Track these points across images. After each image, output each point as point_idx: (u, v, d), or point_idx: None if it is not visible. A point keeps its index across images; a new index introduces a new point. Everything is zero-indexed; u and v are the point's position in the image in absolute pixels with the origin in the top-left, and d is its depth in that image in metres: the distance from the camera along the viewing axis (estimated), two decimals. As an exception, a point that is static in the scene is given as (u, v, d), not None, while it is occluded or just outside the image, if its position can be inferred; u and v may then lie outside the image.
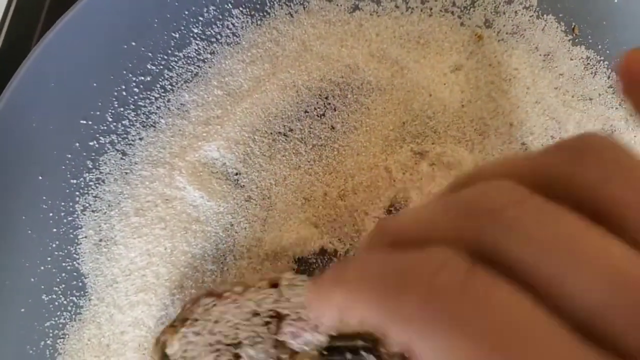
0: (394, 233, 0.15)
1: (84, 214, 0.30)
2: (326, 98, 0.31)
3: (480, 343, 0.11)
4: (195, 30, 0.32)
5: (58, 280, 0.29)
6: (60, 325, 0.28)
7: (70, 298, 0.29)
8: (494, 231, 0.12)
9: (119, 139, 0.31)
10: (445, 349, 0.11)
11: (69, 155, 0.30)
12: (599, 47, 0.33)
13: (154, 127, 0.31)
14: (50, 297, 0.29)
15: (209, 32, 0.32)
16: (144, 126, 0.31)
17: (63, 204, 0.30)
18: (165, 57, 0.31)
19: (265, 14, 0.32)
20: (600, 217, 0.12)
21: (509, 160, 0.14)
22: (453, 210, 0.13)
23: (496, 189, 0.13)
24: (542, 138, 0.31)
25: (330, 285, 0.14)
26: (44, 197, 0.29)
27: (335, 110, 0.31)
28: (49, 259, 0.29)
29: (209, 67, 0.32)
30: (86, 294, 0.29)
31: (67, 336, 0.28)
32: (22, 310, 0.28)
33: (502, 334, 0.11)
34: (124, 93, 0.31)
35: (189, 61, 0.32)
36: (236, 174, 0.30)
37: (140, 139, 0.31)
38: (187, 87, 0.31)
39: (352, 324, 0.13)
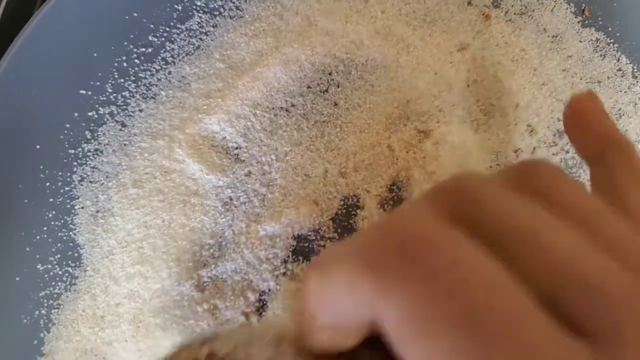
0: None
1: (82, 185, 0.30)
2: (330, 74, 0.31)
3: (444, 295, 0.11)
4: (198, 3, 0.32)
5: (54, 250, 0.29)
6: (55, 296, 0.28)
7: (66, 268, 0.29)
8: (470, 206, 0.13)
9: (119, 110, 0.31)
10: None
11: (68, 125, 0.30)
12: (609, 29, 0.33)
13: (154, 99, 0.31)
14: (45, 266, 0.29)
15: (212, 5, 0.32)
16: (144, 98, 0.31)
17: (60, 174, 0.30)
18: (167, 29, 0.31)
19: (269, -14, 0.32)
20: None
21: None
22: (424, 199, 0.14)
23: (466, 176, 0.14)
24: (548, 120, 0.31)
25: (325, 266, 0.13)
26: (42, 167, 0.29)
27: (338, 86, 0.31)
28: (45, 228, 0.29)
29: (211, 40, 0.32)
30: (82, 264, 0.29)
31: (61, 306, 0.28)
32: (17, 279, 0.28)
33: (467, 288, 0.11)
34: (125, 64, 0.31)
35: (191, 34, 0.32)
36: (236, 148, 0.30)
37: (140, 110, 0.31)
38: (188, 59, 0.31)
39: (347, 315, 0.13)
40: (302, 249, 0.29)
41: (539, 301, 0.12)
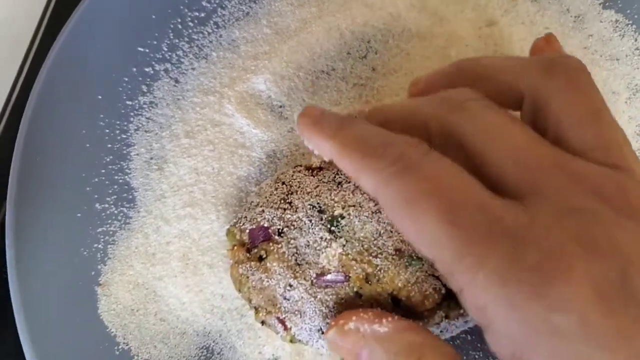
0: (384, 114, 0.25)
1: (137, 133, 0.33)
2: (368, 42, 0.35)
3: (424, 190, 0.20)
4: (248, -26, 0.36)
5: (110, 191, 0.32)
6: (111, 232, 0.32)
7: (121, 209, 0.32)
8: (455, 113, 0.22)
9: (173, 67, 0.34)
10: (400, 191, 0.20)
11: (126, 79, 0.34)
12: (628, 11, 0.36)
13: (206, 59, 0.35)
14: (102, 206, 0.32)
15: (261, -24, 0.36)
16: (196, 57, 0.34)
17: (118, 122, 0.33)
18: (219, -5, 0.35)
19: (315, -40, 0.36)
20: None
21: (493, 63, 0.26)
22: (432, 100, 0.23)
23: (462, 92, 0.23)
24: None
25: (326, 135, 0.23)
26: (102, 115, 0.33)
27: (376, 53, 0.35)
28: (102, 171, 0.32)
29: (260, 7, 0.35)
30: (135, 206, 0.32)
31: (116, 243, 0.32)
32: (79, 215, 0.32)
33: (438, 186, 0.20)
34: (180, 26, 0.35)
35: (240, 1, 0.35)
36: (280, 107, 0.34)
37: (193, 69, 0.34)
38: (238, 24, 0.35)
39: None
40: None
41: (486, 184, 0.20)
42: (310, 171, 0.27)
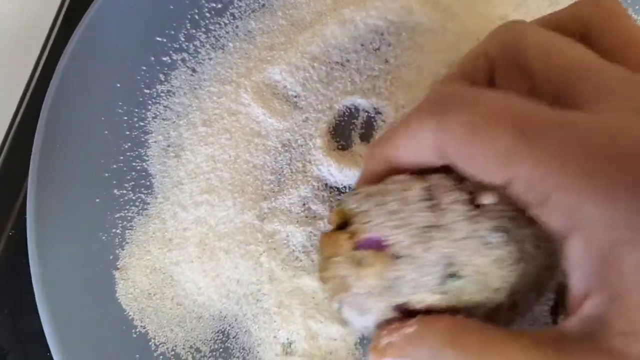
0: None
1: (155, 121, 0.34)
2: (382, 34, 0.36)
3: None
4: (264, -34, 0.36)
5: (128, 177, 0.33)
6: (129, 218, 0.33)
7: (139, 195, 0.33)
8: (512, 32, 0.24)
9: (190, 57, 0.35)
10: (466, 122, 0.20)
11: (144, 68, 0.34)
12: (637, 7, 0.37)
13: (223, 49, 0.35)
14: (121, 192, 0.33)
15: (277, -31, 0.37)
16: (213, 48, 0.35)
17: (136, 110, 0.34)
18: (236, -13, 0.36)
19: (331, -47, 0.37)
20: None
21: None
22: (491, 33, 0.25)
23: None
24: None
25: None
26: (120, 103, 0.34)
27: (389, 45, 0.36)
28: (121, 157, 0.33)
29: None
30: (153, 192, 0.33)
31: (134, 228, 0.33)
32: (97, 200, 0.32)
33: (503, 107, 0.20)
34: (197, 17, 0.36)
35: (257, -7, 0.36)
36: (295, 96, 0.35)
37: (210, 59, 0.35)
38: (254, 15, 0.36)
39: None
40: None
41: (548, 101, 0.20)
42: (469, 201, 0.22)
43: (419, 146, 0.22)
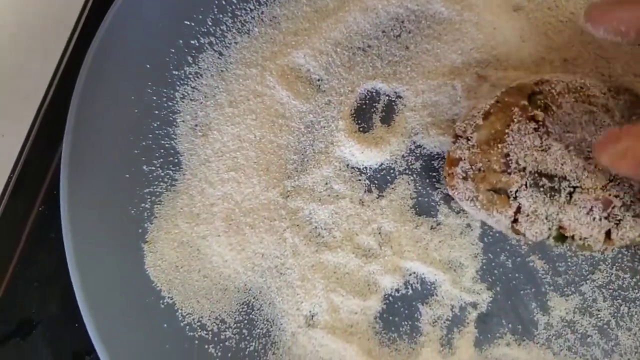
0: None
1: (183, 102, 0.36)
2: (402, 22, 0.38)
3: None
4: (289, -45, 0.38)
5: (157, 155, 0.35)
6: (157, 193, 0.34)
7: (167, 171, 0.35)
8: None
9: (217, 40, 0.37)
10: None
11: (173, 50, 0.36)
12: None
13: (248, 34, 0.37)
14: (149, 168, 0.35)
15: (301, -42, 0.38)
16: (239, 32, 0.37)
17: (165, 91, 0.36)
18: (261, -25, 0.38)
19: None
20: None
21: None
22: None
23: None
24: (592, 72, 0.38)
25: None
26: (149, 83, 0.36)
27: (410, 33, 0.38)
28: (150, 135, 0.35)
29: (300, -13, 0.38)
30: (181, 169, 0.35)
31: (162, 203, 0.34)
32: (127, 176, 0.34)
33: None
34: (224, 2, 0.37)
35: (282, -20, 0.38)
36: (319, 80, 0.37)
37: (236, 43, 0.37)
38: (279, 2, 0.38)
39: None
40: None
41: None
42: None
43: None
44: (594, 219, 0.28)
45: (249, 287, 0.33)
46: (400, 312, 0.33)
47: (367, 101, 0.37)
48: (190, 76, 0.36)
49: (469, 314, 0.34)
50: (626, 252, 0.34)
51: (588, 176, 0.28)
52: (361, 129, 0.36)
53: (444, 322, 0.33)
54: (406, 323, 0.33)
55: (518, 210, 0.29)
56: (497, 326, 0.33)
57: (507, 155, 0.29)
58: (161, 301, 0.33)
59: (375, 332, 0.33)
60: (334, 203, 0.35)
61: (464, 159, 0.30)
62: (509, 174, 0.29)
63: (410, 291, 0.34)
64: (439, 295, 0.34)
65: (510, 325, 0.33)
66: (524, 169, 0.29)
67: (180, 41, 0.36)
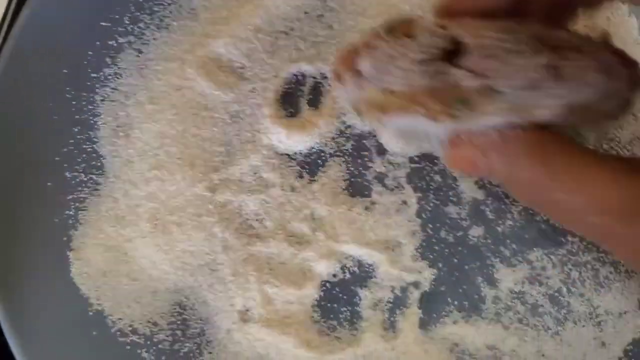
0: None
1: (103, 104, 0.36)
2: (324, 1, 0.37)
3: None
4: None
5: (79, 160, 0.35)
6: (81, 199, 0.34)
7: (90, 176, 0.34)
8: None
9: (136, 39, 0.37)
10: None
11: (90, 52, 0.36)
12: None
13: (167, 29, 0.37)
14: (72, 174, 0.34)
15: (217, -53, 0.38)
16: (158, 28, 0.37)
17: (84, 94, 0.36)
18: (177, -32, 0.38)
19: None
20: None
21: None
22: None
23: None
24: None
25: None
26: (68, 88, 0.35)
27: (332, 11, 0.37)
28: (71, 141, 0.35)
29: (217, -24, 0.38)
30: (104, 172, 0.35)
31: (87, 209, 0.34)
32: (49, 184, 0.34)
33: None
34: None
35: (198, -29, 0.38)
36: (241, 68, 0.36)
37: (155, 39, 0.37)
38: (196, -7, 0.38)
39: None
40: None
41: None
42: None
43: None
44: None
45: (180, 287, 0.33)
46: (338, 298, 0.32)
47: (293, 85, 0.36)
48: (109, 77, 0.36)
49: (411, 294, 0.32)
50: (575, 215, 0.33)
51: None
52: (288, 114, 0.35)
53: (386, 305, 0.32)
54: (346, 309, 0.32)
55: None
56: (443, 304, 0.32)
57: None
58: (89, 309, 0.32)
59: (314, 321, 0.32)
60: (264, 192, 0.34)
61: None
62: None
63: (348, 275, 0.33)
64: (378, 277, 0.33)
65: (456, 303, 0.32)
66: None
67: (98, 43, 0.36)
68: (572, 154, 0.22)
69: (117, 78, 0.36)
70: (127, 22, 0.37)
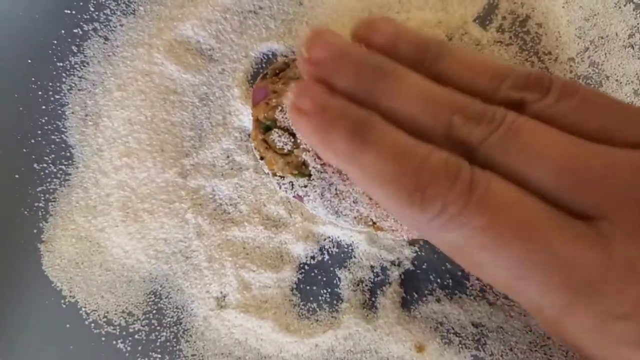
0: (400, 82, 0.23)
1: (71, 93, 0.35)
2: (293, -23, 0.36)
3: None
4: None
5: (48, 151, 0.34)
6: (51, 190, 0.34)
7: (60, 167, 0.34)
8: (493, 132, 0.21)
9: (102, 26, 0.36)
10: (456, 243, 0.21)
11: (55, 41, 0.36)
12: None
13: (134, 14, 0.37)
14: (41, 165, 0.34)
15: None
16: (124, 14, 0.36)
17: (51, 84, 0.35)
18: (142, -49, 0.37)
19: None
20: None
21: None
22: (469, 106, 0.22)
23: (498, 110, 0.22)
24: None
25: (341, 149, 0.22)
26: (33, 79, 0.35)
27: (302, -13, 0.36)
28: (39, 132, 0.34)
29: (183, -42, 0.37)
30: (74, 162, 0.34)
31: (57, 200, 0.34)
32: (17, 176, 0.33)
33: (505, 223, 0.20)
34: (105, -15, 0.37)
35: (163, -46, 0.37)
36: (210, 50, 0.35)
37: (121, 25, 0.36)
38: (162, -24, 0.37)
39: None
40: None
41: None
42: None
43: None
44: None
45: (154, 276, 0.32)
46: (317, 281, 0.32)
47: (264, 65, 0.35)
48: (76, 66, 0.35)
49: (392, 273, 0.32)
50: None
51: None
52: (259, 95, 0.35)
53: (366, 285, 0.32)
54: (325, 291, 0.32)
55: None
56: (425, 283, 0.32)
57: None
58: (62, 301, 0.32)
59: (293, 305, 0.32)
60: (237, 176, 0.33)
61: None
62: None
63: (327, 257, 0.32)
64: (357, 257, 0.32)
65: (439, 280, 0.32)
66: None
67: (63, 31, 0.36)
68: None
69: (84, 66, 0.36)
70: (92, 8, 0.36)
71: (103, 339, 0.32)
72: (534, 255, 0.19)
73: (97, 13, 0.36)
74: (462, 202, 0.20)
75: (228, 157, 0.34)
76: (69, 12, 0.36)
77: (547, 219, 0.20)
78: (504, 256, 0.20)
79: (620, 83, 0.33)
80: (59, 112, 0.35)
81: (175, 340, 0.32)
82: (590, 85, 0.34)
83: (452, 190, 0.20)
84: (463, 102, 0.22)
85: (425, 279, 0.32)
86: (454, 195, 0.20)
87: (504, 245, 0.19)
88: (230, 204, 0.33)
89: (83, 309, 0.32)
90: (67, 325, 0.32)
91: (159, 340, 0.32)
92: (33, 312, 0.32)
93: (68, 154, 0.35)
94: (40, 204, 0.34)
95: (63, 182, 0.34)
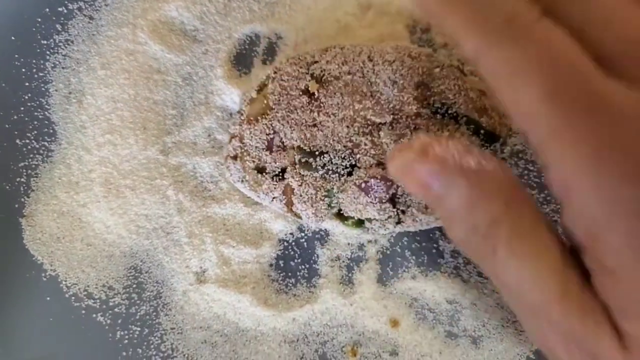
0: None
1: (55, 71, 0.37)
2: (277, -41, 0.38)
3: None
4: None
5: (30, 127, 0.36)
6: (33, 166, 0.35)
7: (42, 143, 0.35)
8: None
9: (86, 5, 0.38)
10: (504, 58, 0.20)
11: (39, 19, 0.37)
12: None
13: (118, -7, 0.38)
14: (23, 141, 0.35)
15: None
16: (109, -7, 0.38)
17: (34, 61, 0.36)
18: None
19: None
20: None
21: None
22: None
23: None
24: None
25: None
26: (17, 56, 0.36)
27: (285, -30, 0.38)
28: (22, 108, 0.36)
29: (168, -60, 0.39)
30: (57, 139, 0.36)
31: (39, 175, 0.35)
32: (-1, 151, 0.35)
33: (546, 58, 0.20)
34: (90, -35, 0.38)
35: (149, -64, 0.39)
36: (194, 30, 0.37)
37: (106, 5, 0.38)
38: (147, -42, 0.38)
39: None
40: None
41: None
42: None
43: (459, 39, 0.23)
44: (376, 198, 0.28)
45: (135, 251, 0.34)
46: (296, 257, 0.34)
47: (247, 46, 0.37)
48: (60, 44, 0.37)
49: (368, 250, 0.33)
50: (532, 168, 0.34)
51: (366, 153, 0.29)
52: (242, 74, 0.36)
53: (343, 262, 0.33)
54: (303, 267, 0.33)
55: (292, 191, 0.29)
56: (401, 260, 0.33)
57: (275, 131, 0.29)
58: (43, 274, 0.33)
59: (272, 280, 0.33)
60: (218, 154, 0.35)
61: (236, 136, 0.30)
62: (272, 151, 0.29)
63: (306, 234, 0.34)
64: (335, 235, 0.34)
65: (414, 258, 0.33)
66: (293, 146, 0.29)
67: (47, 9, 0.37)
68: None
69: (68, 45, 0.37)
70: (77, -13, 0.38)
71: (83, 312, 0.33)
72: (560, 90, 0.19)
73: (82, -8, 0.38)
74: (532, 19, 0.20)
75: (209, 135, 0.35)
76: (53, -10, 0.38)
77: (589, 67, 0.20)
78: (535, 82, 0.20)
79: None
80: (43, 89, 0.36)
81: (154, 314, 0.33)
82: None
83: (527, 8, 0.20)
84: None
85: (401, 257, 0.33)
86: (528, 11, 0.20)
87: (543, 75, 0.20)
88: (211, 182, 0.35)
89: (63, 283, 0.33)
90: (48, 298, 0.33)
91: (139, 313, 0.33)
92: (13, 285, 0.33)
93: (51, 131, 0.36)
94: (22, 179, 0.35)
95: (45, 158, 0.35)
